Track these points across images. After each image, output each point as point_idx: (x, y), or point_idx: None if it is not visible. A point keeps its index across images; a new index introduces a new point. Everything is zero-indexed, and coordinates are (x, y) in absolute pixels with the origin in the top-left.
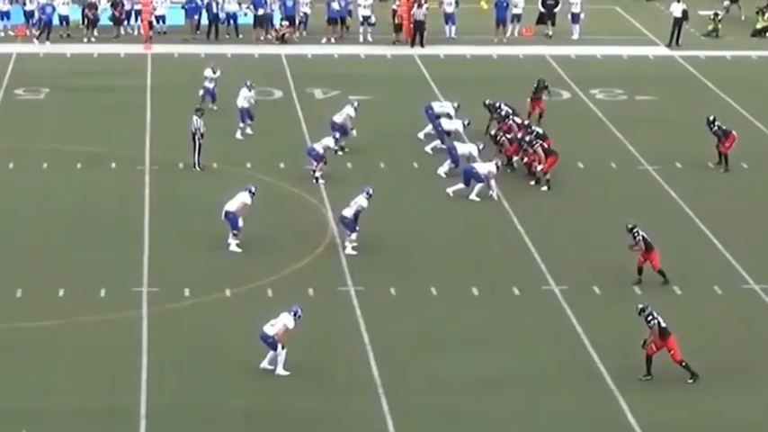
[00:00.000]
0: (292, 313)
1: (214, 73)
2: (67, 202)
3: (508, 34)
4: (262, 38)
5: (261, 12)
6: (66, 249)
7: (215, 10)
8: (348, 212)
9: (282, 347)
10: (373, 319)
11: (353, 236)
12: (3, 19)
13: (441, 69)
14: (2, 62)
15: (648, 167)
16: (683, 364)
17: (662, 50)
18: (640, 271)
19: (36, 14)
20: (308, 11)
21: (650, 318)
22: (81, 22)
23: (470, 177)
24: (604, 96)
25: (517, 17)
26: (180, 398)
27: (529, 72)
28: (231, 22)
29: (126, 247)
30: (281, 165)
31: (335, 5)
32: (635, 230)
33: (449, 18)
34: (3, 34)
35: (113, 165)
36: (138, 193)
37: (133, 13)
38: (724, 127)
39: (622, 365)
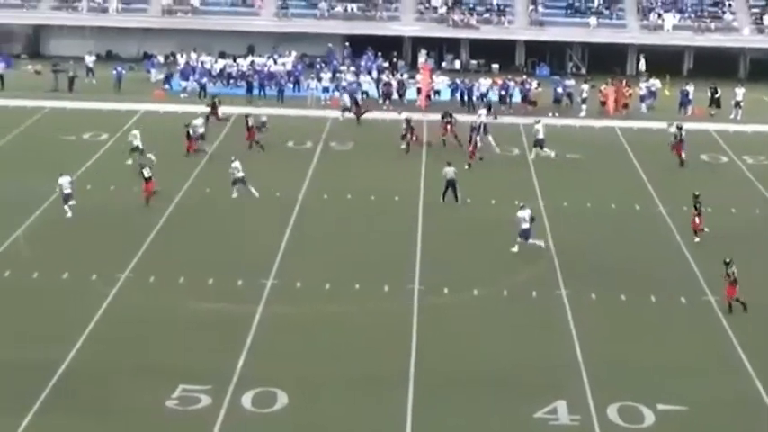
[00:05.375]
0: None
1: None
2: (364, 221)
3: (689, 113)
4: (503, 109)
5: (503, 93)
6: (359, 254)
7: (474, 90)
8: None
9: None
10: (578, 315)
11: None
12: (324, 92)
13: (632, 136)
14: (322, 123)
15: None
16: None
17: None
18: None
19: (346, 91)
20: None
21: None
22: (378, 95)
23: None
24: (753, 161)
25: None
26: (438, 367)
27: (693, 141)
28: (483, 98)
29: (402, 255)
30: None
31: (559, 90)
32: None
33: (643, 99)
34: (323, 103)
35: (396, 198)
36: (412, 218)
37: (415, 88)
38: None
39: None
